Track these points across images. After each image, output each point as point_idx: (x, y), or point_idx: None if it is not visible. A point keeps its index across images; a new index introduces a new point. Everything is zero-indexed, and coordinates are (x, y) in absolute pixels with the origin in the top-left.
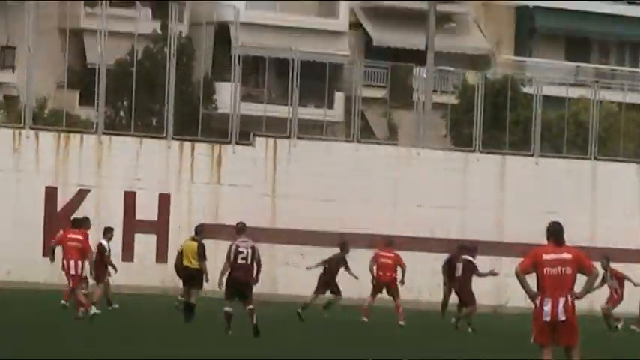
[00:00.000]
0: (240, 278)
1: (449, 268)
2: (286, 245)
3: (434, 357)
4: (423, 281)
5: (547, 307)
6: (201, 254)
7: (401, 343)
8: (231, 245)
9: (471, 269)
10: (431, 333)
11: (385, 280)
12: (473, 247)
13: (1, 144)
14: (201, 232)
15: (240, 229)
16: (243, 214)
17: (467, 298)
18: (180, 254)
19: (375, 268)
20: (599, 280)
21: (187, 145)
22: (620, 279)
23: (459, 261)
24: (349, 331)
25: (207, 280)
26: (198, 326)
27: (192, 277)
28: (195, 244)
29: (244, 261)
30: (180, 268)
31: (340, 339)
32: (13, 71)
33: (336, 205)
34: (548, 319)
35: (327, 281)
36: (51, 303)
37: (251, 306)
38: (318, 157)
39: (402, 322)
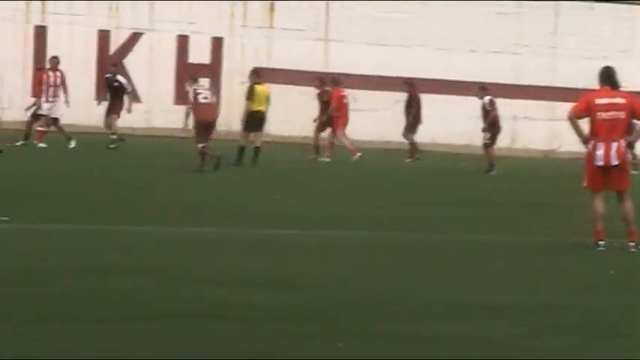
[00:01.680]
0: (208, 117)
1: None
2: None
3: (485, 198)
4: (469, 127)
5: (600, 152)
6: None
7: (446, 188)
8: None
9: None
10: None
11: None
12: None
13: None
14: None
15: (195, 78)
16: (295, 58)
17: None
18: (250, 98)
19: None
20: None
21: None
22: None
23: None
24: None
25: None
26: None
27: (261, 121)
28: (266, 88)
29: (206, 100)
30: (251, 112)
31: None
32: None
33: (389, 50)
34: (600, 163)
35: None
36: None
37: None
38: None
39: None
